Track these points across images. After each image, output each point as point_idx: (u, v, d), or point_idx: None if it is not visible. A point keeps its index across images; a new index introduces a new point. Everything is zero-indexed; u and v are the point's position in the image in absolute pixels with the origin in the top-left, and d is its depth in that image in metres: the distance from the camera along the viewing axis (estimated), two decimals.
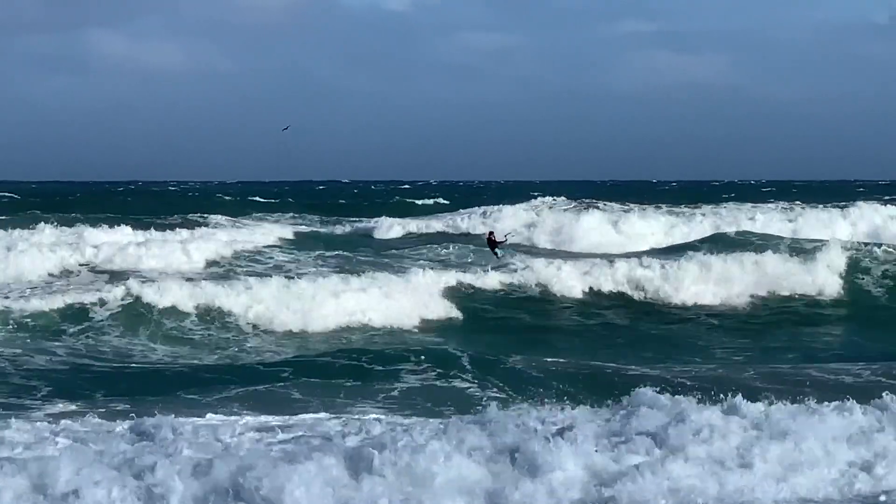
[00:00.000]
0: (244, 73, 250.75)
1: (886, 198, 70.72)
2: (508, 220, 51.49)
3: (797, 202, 64.48)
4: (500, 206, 55.59)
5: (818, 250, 37.37)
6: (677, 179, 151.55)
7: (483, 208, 56.18)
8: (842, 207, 56.77)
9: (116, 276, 33.56)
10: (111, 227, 44.57)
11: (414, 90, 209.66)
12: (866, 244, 39.79)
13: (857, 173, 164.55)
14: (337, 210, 72.64)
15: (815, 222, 54.04)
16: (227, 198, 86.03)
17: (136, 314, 28.15)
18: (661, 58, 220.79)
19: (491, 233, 39.92)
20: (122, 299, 28.74)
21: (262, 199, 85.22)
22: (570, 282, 34.37)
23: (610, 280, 34.73)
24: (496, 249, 37.61)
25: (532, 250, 44.90)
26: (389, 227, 52.11)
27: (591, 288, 34.33)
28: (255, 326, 28.91)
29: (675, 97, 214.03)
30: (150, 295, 28.90)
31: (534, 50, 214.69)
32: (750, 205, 62.53)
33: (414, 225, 53.37)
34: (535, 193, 67.41)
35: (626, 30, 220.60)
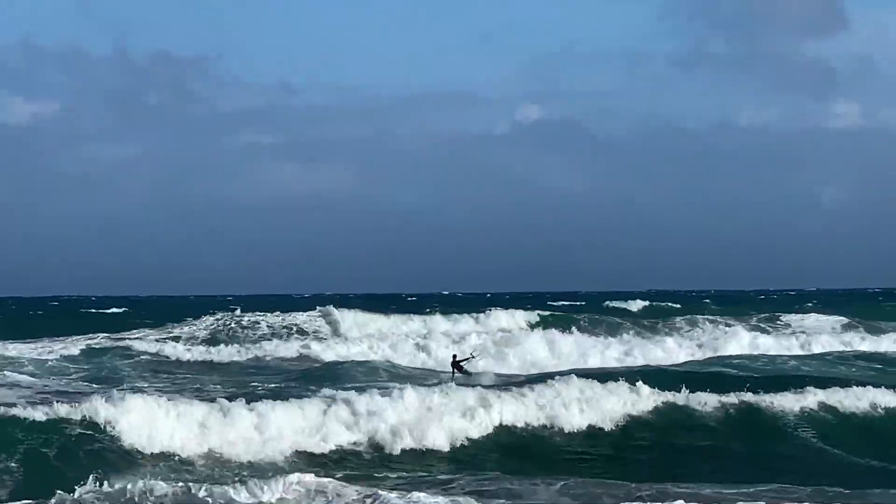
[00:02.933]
0: None
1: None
2: None
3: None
4: None
5: None
6: (311, 293, 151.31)
7: None
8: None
9: None
10: None
11: (39, 203, 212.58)
12: None
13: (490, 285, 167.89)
14: None
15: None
16: None
17: None
18: (285, 169, 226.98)
19: (454, 356, 39.90)
20: None
21: None
22: None
23: None
24: (465, 370, 37.83)
25: None
26: None
27: None
28: None
29: (302, 206, 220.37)
30: None
31: (159, 161, 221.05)
32: None
33: None
34: None
35: (247, 140, 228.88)
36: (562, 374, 32.43)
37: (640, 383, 29.90)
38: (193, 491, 19.27)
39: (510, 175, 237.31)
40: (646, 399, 29.51)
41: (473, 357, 39.65)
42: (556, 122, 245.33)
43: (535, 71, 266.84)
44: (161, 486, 19.30)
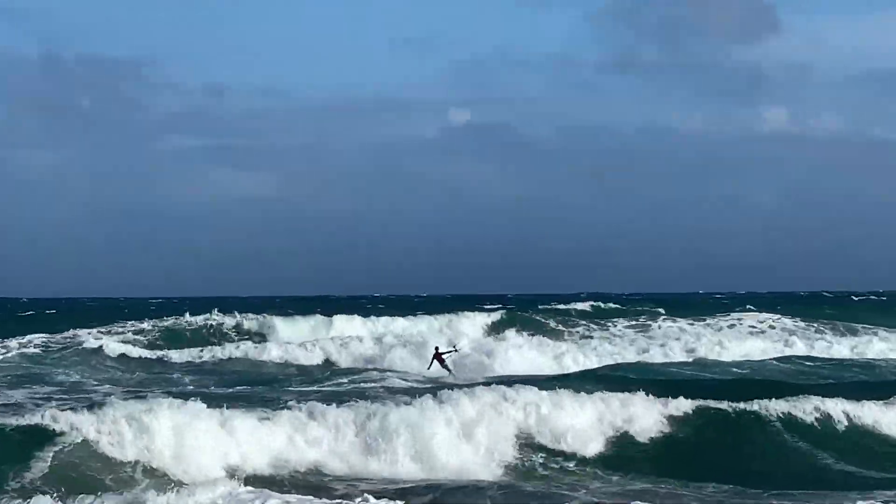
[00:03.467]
0: None
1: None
2: None
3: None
4: None
5: None
6: (243, 295, 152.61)
7: None
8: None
9: None
10: None
11: None
12: None
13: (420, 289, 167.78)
14: None
15: None
16: None
17: None
18: (213, 173, 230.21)
19: (437, 348, 39.27)
20: None
21: None
22: None
23: None
24: (445, 364, 37.40)
25: None
26: None
27: None
28: None
29: (232, 210, 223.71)
30: None
31: (88, 165, 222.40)
32: None
33: None
34: None
35: (177, 144, 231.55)
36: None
37: None
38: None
39: (440, 179, 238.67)
40: None
41: (456, 351, 38.70)
42: (486, 126, 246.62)
43: (465, 76, 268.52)
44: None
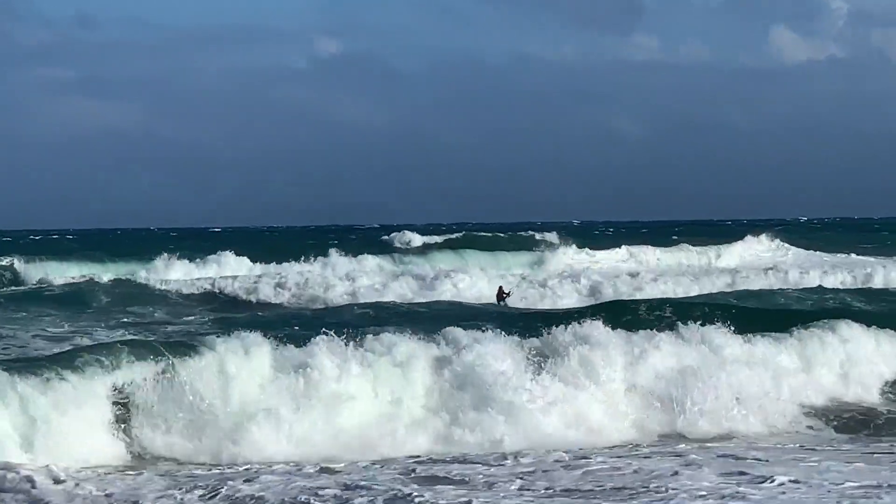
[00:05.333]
0: None
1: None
2: None
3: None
4: None
5: None
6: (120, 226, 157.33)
7: None
8: None
9: None
10: None
11: None
12: None
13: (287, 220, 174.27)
14: None
15: None
16: None
17: None
18: (80, 104, 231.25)
19: (500, 287, 42.14)
20: None
21: None
22: None
23: None
24: (503, 301, 40.21)
25: None
26: None
27: None
28: None
29: (96, 144, 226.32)
30: None
31: None
32: None
33: None
34: None
35: (42, 75, 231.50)
36: None
37: None
38: None
39: (308, 110, 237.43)
40: None
41: (511, 293, 41.57)
42: (355, 56, 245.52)
43: (334, 4, 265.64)
44: None
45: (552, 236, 77.52)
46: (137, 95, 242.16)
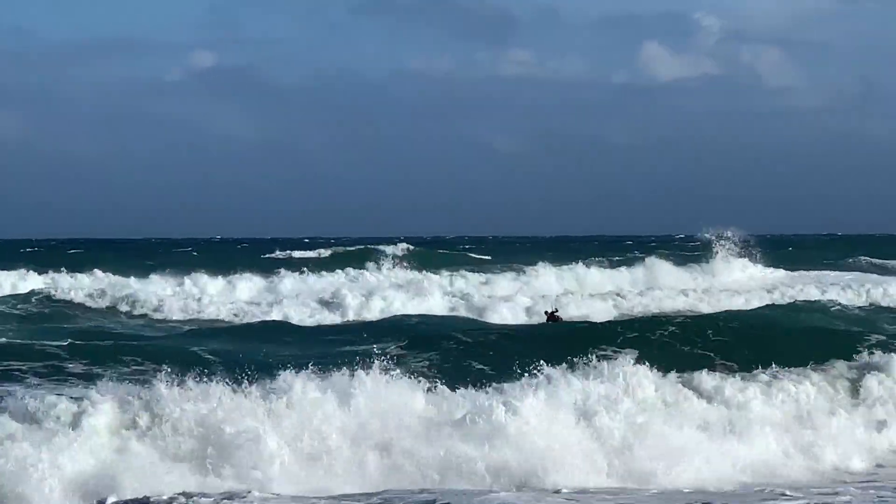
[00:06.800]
0: None
1: None
2: None
3: None
4: None
5: None
6: None
7: None
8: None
9: None
10: None
11: None
12: None
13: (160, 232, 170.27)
14: None
15: None
16: None
17: None
18: None
19: (547, 311, 38.48)
20: None
21: None
22: None
23: None
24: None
25: None
26: None
27: None
28: None
29: None
30: None
31: None
32: None
33: None
34: None
35: None
36: None
37: None
38: None
39: (182, 123, 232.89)
40: None
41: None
42: (231, 69, 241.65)
43: (211, 17, 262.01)
44: None
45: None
46: (10, 106, 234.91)
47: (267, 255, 78.47)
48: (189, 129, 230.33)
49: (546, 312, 38.37)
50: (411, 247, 75.36)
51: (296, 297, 45.54)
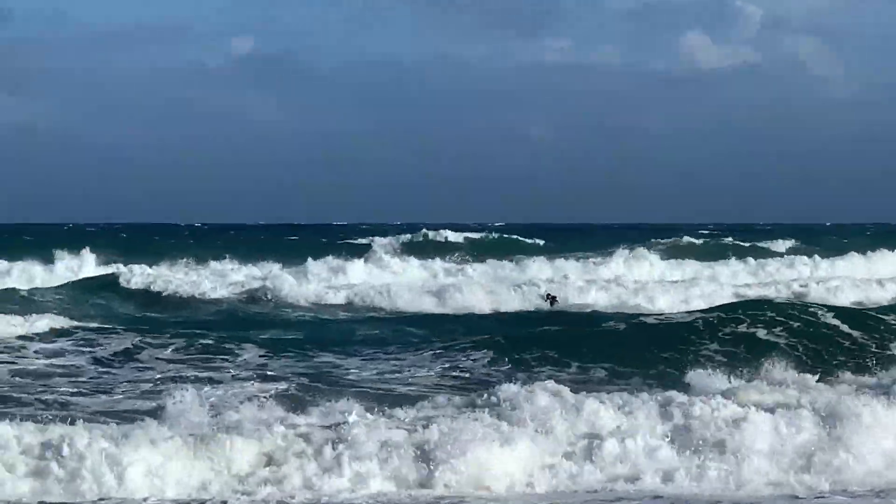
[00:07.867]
0: None
1: None
2: None
3: None
4: None
5: None
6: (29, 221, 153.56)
7: None
8: None
9: None
10: None
11: None
12: None
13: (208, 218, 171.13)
14: None
15: None
16: None
17: None
18: None
19: (548, 293, 41.72)
20: None
21: None
22: None
23: None
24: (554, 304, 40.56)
25: None
26: None
27: None
28: None
29: (11, 138, 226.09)
30: None
31: None
32: None
33: None
34: None
35: None
36: None
37: None
38: None
39: (222, 109, 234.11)
40: None
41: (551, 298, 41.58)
42: (270, 56, 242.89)
43: (249, 3, 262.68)
44: None
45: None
46: (51, 92, 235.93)
47: (345, 241, 77.05)
48: (228, 114, 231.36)
49: (547, 295, 41.45)
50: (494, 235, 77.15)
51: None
